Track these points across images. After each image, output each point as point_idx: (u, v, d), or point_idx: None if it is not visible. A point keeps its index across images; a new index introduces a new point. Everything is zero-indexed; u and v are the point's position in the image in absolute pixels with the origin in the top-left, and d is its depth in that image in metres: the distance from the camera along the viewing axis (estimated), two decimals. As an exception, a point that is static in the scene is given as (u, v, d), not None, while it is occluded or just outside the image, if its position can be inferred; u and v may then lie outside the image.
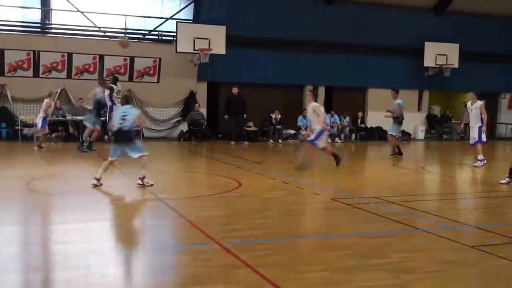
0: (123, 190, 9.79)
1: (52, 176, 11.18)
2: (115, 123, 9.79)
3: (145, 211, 8.16)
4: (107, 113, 15.38)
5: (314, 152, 12.47)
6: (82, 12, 19.57)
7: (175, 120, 20.27)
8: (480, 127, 14.31)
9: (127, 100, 10.66)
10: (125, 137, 9.71)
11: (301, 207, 8.74)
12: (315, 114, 12.32)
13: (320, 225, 7.45)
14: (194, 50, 19.15)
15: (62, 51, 18.91)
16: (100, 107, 15.32)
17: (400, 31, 22.45)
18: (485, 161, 14.24)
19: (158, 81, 20.02)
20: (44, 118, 15.77)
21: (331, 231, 7.11)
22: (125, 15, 20.07)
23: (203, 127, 19.91)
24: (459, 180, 13.26)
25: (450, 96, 26.45)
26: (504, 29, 24.28)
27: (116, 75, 17.69)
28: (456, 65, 22.82)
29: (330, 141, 19.64)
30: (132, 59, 19.70)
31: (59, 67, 19.02)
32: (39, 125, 15.75)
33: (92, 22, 19.73)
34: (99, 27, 19.89)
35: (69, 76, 19.11)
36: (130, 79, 19.74)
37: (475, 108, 14.40)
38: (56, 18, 19.86)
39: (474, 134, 14.43)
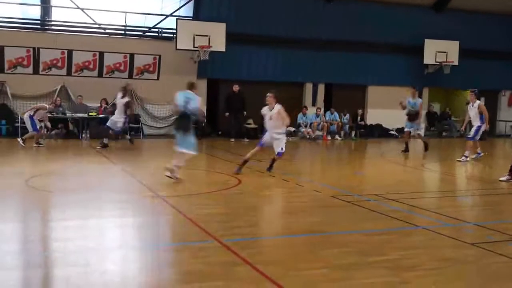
0: (123, 187, 9.79)
1: (52, 173, 11.18)
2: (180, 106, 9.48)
3: (145, 208, 8.16)
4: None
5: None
6: (82, 9, 19.56)
7: (175, 117, 20.25)
8: (479, 126, 14.48)
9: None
10: (184, 123, 9.45)
11: (300, 204, 8.74)
12: (280, 116, 11.21)
13: (320, 222, 7.45)
14: (194, 47, 19.13)
15: (62, 48, 18.90)
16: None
17: (400, 29, 22.44)
18: (468, 158, 14.66)
19: (158, 78, 20.01)
20: (31, 117, 15.47)
21: (331, 229, 7.11)
22: (125, 12, 20.06)
23: (203, 124, 19.92)
24: (459, 178, 13.26)
25: (449, 94, 26.45)
26: (503, 26, 24.27)
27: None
28: (456, 63, 22.82)
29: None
30: (132, 56, 19.69)
31: (59, 64, 19.01)
32: (31, 129, 15.48)
33: (92, 19, 19.72)
34: (99, 24, 19.88)
35: (69, 73, 19.10)
36: (130, 76, 19.73)
37: (474, 108, 14.67)
38: (56, 15, 19.85)
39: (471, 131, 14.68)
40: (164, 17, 20.52)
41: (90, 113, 18.35)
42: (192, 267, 5.35)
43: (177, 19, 19.78)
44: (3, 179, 10.28)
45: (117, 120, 15.65)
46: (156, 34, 20.66)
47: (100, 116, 18.23)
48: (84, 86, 18.70)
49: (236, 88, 19.46)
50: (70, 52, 18.96)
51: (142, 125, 19.84)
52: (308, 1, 21.39)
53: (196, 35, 19.02)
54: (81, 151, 14.90)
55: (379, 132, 22.43)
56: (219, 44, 19.25)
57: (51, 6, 19.70)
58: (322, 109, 21.86)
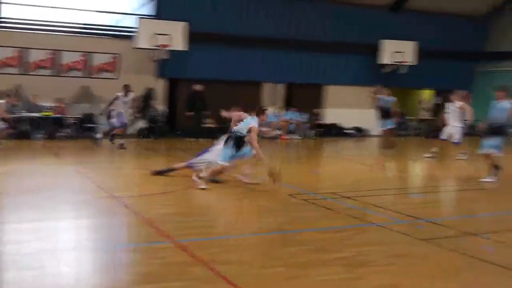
0: (79, 188, 9.66)
1: (4, 174, 10.93)
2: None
3: (100, 209, 8.06)
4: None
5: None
6: (37, 6, 19.12)
7: (134, 117, 20.03)
8: (462, 127, 14.46)
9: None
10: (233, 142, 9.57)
11: (258, 203, 8.79)
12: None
13: (277, 221, 7.52)
14: (154, 46, 18.96)
15: (16, 46, 18.46)
16: None
17: (358, 29, 22.71)
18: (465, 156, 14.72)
19: (117, 78, 19.76)
20: None
21: (288, 227, 7.19)
22: (83, 10, 19.71)
23: (161, 123, 19.77)
24: (414, 175, 13.56)
25: (406, 93, 26.93)
26: (459, 27, 24.83)
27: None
28: (412, 63, 23.25)
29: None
30: (90, 55, 19.39)
31: (14, 63, 18.56)
32: None
33: (48, 17, 19.29)
34: (56, 22, 19.48)
35: (24, 72, 18.67)
36: (88, 75, 19.42)
37: (455, 109, 14.47)
38: (9, 12, 19.33)
39: (456, 134, 14.50)
40: (124, 15, 20.25)
41: (44, 113, 17.99)
42: (148, 268, 5.34)
43: (137, 17, 19.56)
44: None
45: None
46: (115, 33, 20.37)
47: (56, 116, 17.92)
48: (40, 85, 18.29)
49: (198, 87, 19.40)
50: (24, 51, 18.53)
51: (99, 125, 19.53)
52: (269, 1, 21.47)
53: (157, 34, 18.82)
54: (34, 152, 14.61)
55: (337, 131, 22.70)
56: (180, 43, 19.11)
57: (2, 3, 19.16)
58: (281, 109, 21.98)
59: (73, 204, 8.25)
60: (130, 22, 20.07)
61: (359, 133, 23.32)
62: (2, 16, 19.14)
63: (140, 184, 10.17)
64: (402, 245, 6.42)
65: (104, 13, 20.32)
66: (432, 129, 23.81)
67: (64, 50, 19.02)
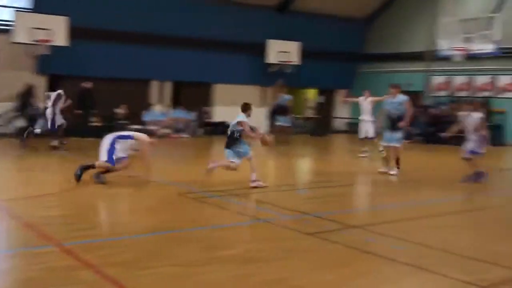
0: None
1: None
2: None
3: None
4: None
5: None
6: None
7: (12, 115, 18.89)
8: (374, 122, 14.90)
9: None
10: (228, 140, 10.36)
11: (147, 203, 8.63)
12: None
13: (167, 220, 7.42)
14: (32, 41, 17.99)
15: None
16: None
17: (244, 28, 23.00)
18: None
19: (-7, 73, 18.54)
20: None
21: (178, 226, 7.12)
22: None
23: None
24: (300, 172, 13.96)
25: (291, 92, 27.65)
26: (340, 30, 25.94)
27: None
28: (298, 63, 23.93)
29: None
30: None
31: None
32: None
33: None
34: None
35: None
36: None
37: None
38: None
39: (369, 129, 14.90)
40: (1, 7, 19.02)
41: None
42: (30, 274, 5.04)
43: (14, 10, 18.45)
44: None
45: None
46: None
47: None
48: None
49: (87, 84, 18.74)
50: None
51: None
52: (156, -3, 21.15)
53: (36, 28, 17.89)
54: None
55: (224, 129, 22.82)
56: (61, 38, 18.28)
57: None
58: (169, 107, 21.76)
59: None
60: (6, 15, 18.90)
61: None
62: None
63: (17, 187, 9.60)
64: (290, 240, 6.58)
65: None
66: (316, 127, 24.76)
67: None
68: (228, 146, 10.42)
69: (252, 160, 10.31)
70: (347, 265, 5.68)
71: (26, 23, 17.95)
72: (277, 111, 19.13)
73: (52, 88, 19.42)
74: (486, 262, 5.80)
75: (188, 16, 21.78)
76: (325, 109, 26.54)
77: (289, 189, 10.65)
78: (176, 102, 22.16)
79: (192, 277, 5.12)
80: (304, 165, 15.46)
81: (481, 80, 22.47)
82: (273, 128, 20.21)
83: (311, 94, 27.25)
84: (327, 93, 26.96)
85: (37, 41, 18.02)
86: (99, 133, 18.76)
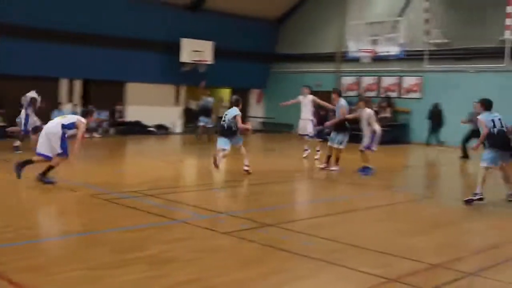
0: None
1: None
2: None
3: None
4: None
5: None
6: None
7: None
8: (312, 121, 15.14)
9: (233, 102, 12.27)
10: (227, 132, 11.78)
11: (57, 205, 8.34)
12: None
13: (78, 223, 7.20)
14: None
15: None
16: None
17: (158, 26, 22.72)
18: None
19: None
20: None
21: (90, 228, 6.92)
22: None
23: None
24: (215, 171, 13.96)
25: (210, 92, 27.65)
26: (254, 29, 26.21)
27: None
28: (211, 62, 23.92)
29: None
30: None
31: None
32: None
33: None
34: None
35: None
36: None
37: (307, 102, 14.96)
38: None
39: (309, 127, 14.98)
40: None
41: None
42: None
43: None
44: None
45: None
46: None
47: None
48: None
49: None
50: None
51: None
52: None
53: None
54: None
55: (139, 129, 22.45)
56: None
57: None
58: (79, 106, 21.10)
59: None
60: None
61: (162, 130, 23.38)
62: None
63: None
64: (206, 239, 6.57)
65: None
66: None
67: None
68: (225, 135, 11.77)
69: (243, 148, 11.87)
70: (262, 263, 5.74)
71: None
72: (201, 112, 19.89)
73: None
74: (395, 256, 6.06)
75: (99, 13, 21.20)
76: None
77: (205, 189, 10.64)
78: (87, 101, 21.52)
79: (105, 280, 5.00)
80: (220, 164, 15.44)
81: (388, 81, 23.45)
82: (195, 128, 20.70)
83: (226, 94, 27.34)
84: (241, 92, 27.13)
85: None
86: (4, 133, 17.99)
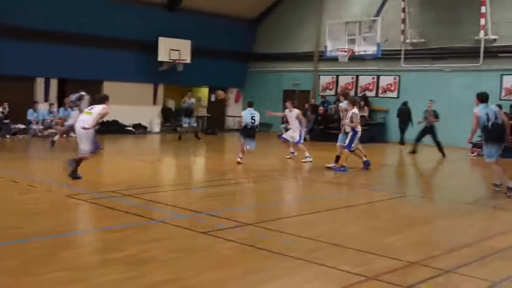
0: None
1: None
2: (247, 121, 13.44)
3: None
4: None
5: None
6: None
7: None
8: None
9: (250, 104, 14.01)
10: (252, 132, 13.52)
11: (34, 206, 8.21)
12: None
13: (55, 224, 7.10)
14: None
15: None
16: None
17: (135, 25, 22.57)
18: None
19: None
20: None
21: (67, 229, 6.85)
22: None
23: None
24: (194, 171, 13.92)
25: (184, 91, 27.53)
26: (231, 29, 26.18)
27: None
28: (189, 61, 23.84)
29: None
30: None
31: None
32: None
33: None
34: None
35: None
36: None
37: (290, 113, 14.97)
38: None
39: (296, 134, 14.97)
40: None
41: None
42: None
43: None
44: None
45: None
46: None
47: None
48: None
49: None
50: None
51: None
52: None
53: None
54: None
55: (116, 128, 22.27)
56: None
57: None
58: (56, 105, 20.86)
59: None
60: None
61: (140, 130, 23.24)
62: None
63: None
64: (184, 239, 6.54)
65: None
66: (208, 126, 24.81)
67: None
68: (254, 137, 13.50)
69: None
70: (240, 262, 5.74)
71: None
72: (184, 113, 20.77)
73: None
74: (374, 254, 6.10)
75: (76, 12, 21.00)
76: (217, 107, 26.61)
77: (183, 188, 10.59)
78: (63, 100, 21.28)
79: (82, 281, 4.94)
80: (198, 164, 15.43)
81: (365, 80, 23.62)
82: (175, 127, 21.73)
83: (204, 93, 27.28)
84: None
85: None
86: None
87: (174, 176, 12.94)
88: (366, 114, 21.99)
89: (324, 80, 25.01)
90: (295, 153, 15.16)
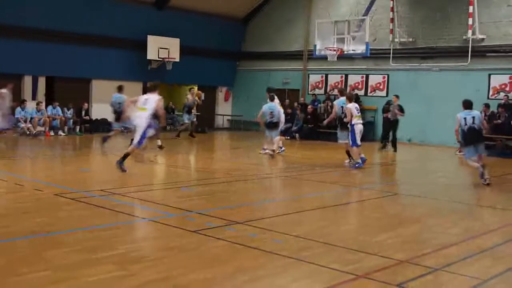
0: None
1: None
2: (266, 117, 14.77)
3: None
4: None
5: None
6: None
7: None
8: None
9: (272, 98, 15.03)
10: (273, 126, 14.87)
11: (21, 205, 8.14)
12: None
13: (43, 222, 7.05)
14: None
15: None
16: None
17: (124, 24, 22.49)
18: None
19: None
20: None
21: (55, 228, 6.79)
22: None
23: None
24: (183, 169, 13.87)
25: (173, 89, 27.48)
26: (219, 27, 26.15)
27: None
28: (178, 59, 23.78)
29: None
30: None
31: None
32: None
33: None
34: None
35: None
36: None
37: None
38: None
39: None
40: None
41: None
42: None
43: None
44: None
45: None
46: None
47: None
48: None
49: None
50: None
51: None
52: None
53: None
54: None
55: (104, 127, 22.14)
56: None
57: None
58: (44, 103, 20.71)
59: None
60: None
61: (129, 128, 23.07)
62: None
63: None
64: (173, 238, 6.51)
65: None
66: (198, 124, 24.76)
67: None
68: (275, 128, 14.81)
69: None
70: (230, 261, 5.72)
71: None
72: (185, 110, 20.93)
73: None
74: (363, 252, 6.11)
75: (65, 10, 20.89)
76: (206, 106, 26.57)
77: (173, 187, 10.55)
78: (51, 98, 21.14)
79: (70, 281, 4.90)
80: (188, 162, 15.37)
81: (354, 78, 23.67)
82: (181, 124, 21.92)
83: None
84: (208, 90, 27.06)
85: None
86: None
87: (163, 174, 12.89)
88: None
89: (314, 79, 25.03)
90: (284, 149, 15.62)
